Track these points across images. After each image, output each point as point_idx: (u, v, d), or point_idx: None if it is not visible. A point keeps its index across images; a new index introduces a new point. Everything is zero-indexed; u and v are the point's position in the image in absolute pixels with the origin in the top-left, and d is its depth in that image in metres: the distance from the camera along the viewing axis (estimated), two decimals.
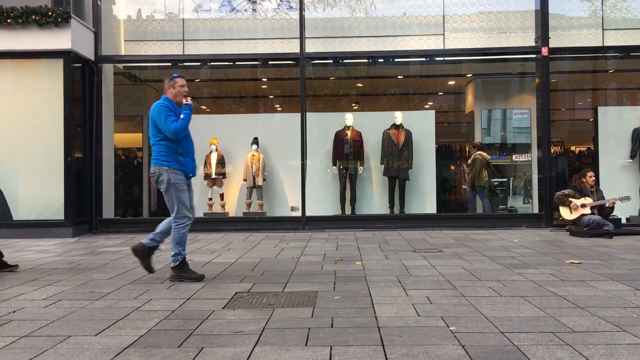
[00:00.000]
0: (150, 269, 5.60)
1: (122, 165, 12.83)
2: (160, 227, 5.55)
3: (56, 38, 9.67)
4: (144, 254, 5.55)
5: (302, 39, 10.59)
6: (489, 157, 11.40)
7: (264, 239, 9.02)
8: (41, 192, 9.79)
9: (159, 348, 3.29)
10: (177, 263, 5.43)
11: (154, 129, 5.41)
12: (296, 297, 4.64)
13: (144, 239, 5.57)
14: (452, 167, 13.28)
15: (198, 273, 5.48)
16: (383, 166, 10.81)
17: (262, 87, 13.69)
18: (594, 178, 9.35)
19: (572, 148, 14.09)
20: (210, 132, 10.93)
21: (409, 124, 10.82)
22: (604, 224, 8.87)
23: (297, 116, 10.66)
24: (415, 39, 10.85)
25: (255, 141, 10.75)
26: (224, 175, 10.84)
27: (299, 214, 10.54)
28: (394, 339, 3.40)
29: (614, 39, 10.58)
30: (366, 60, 11.72)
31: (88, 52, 10.42)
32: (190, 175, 5.53)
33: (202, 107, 14.05)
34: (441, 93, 14.47)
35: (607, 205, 9.13)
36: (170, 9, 11.13)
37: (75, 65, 10.12)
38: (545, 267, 5.93)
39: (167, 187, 5.36)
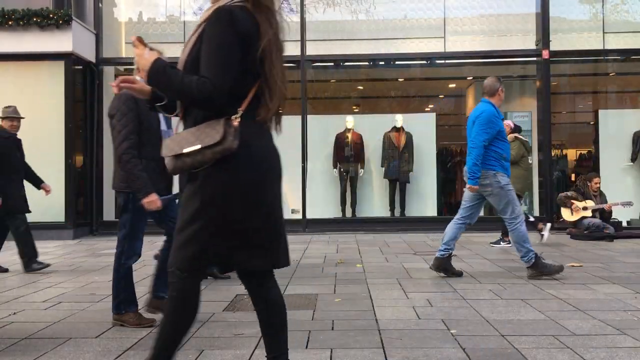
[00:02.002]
0: (459, 273, 5.53)
1: None
2: (449, 233, 5.54)
3: (57, 40, 9.68)
4: (447, 265, 5.52)
5: (303, 41, 10.59)
6: None
7: None
8: (42, 194, 9.80)
9: None
10: (532, 261, 5.32)
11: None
12: (297, 299, 4.64)
13: (437, 252, 5.56)
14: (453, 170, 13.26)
15: (556, 264, 5.36)
16: (384, 169, 10.80)
17: None
18: (598, 185, 9.33)
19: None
20: None
21: (409, 127, 10.82)
22: (604, 227, 8.87)
23: (298, 118, 10.66)
24: (416, 41, 10.86)
25: None
26: None
27: (299, 216, 10.53)
28: (395, 341, 3.40)
29: (614, 42, 10.58)
30: (367, 63, 11.73)
31: (89, 54, 10.44)
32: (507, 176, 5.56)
33: None
34: (442, 96, 14.47)
35: (604, 208, 9.13)
36: (171, 11, 11.15)
37: (76, 67, 10.13)
38: None
39: (497, 191, 5.37)
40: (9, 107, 6.45)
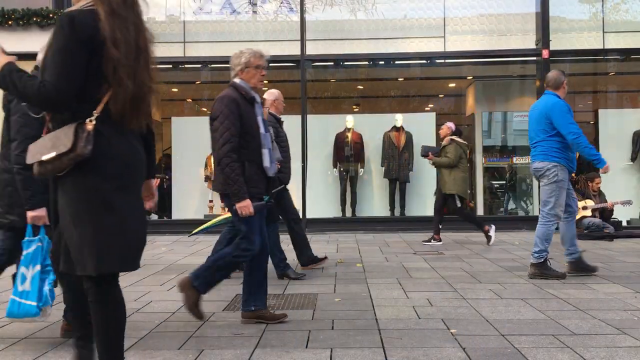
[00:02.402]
0: (593, 269, 5.50)
1: None
2: (565, 236, 5.53)
3: None
4: (582, 264, 5.52)
5: (302, 41, 10.59)
6: None
7: None
8: None
9: (159, 350, 3.29)
10: (541, 260, 5.35)
11: (546, 125, 5.47)
12: (297, 299, 4.64)
13: (568, 256, 5.54)
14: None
15: (560, 271, 5.39)
16: (383, 168, 10.80)
17: (263, 89, 13.67)
18: (599, 185, 9.34)
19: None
20: None
21: (409, 126, 10.82)
22: (604, 227, 8.88)
23: (297, 118, 10.65)
24: (415, 41, 10.85)
25: None
26: None
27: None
28: (395, 341, 3.40)
29: (614, 42, 10.57)
30: (367, 63, 11.71)
31: None
32: (573, 170, 5.56)
33: (203, 109, 14.06)
34: (442, 95, 14.46)
35: (607, 207, 9.14)
36: (171, 11, 11.13)
37: None
38: None
39: (551, 182, 5.36)
40: None
